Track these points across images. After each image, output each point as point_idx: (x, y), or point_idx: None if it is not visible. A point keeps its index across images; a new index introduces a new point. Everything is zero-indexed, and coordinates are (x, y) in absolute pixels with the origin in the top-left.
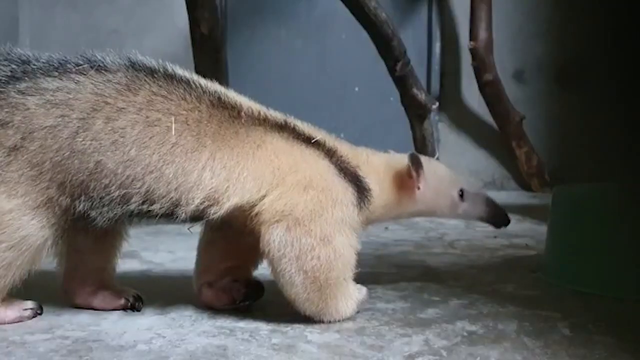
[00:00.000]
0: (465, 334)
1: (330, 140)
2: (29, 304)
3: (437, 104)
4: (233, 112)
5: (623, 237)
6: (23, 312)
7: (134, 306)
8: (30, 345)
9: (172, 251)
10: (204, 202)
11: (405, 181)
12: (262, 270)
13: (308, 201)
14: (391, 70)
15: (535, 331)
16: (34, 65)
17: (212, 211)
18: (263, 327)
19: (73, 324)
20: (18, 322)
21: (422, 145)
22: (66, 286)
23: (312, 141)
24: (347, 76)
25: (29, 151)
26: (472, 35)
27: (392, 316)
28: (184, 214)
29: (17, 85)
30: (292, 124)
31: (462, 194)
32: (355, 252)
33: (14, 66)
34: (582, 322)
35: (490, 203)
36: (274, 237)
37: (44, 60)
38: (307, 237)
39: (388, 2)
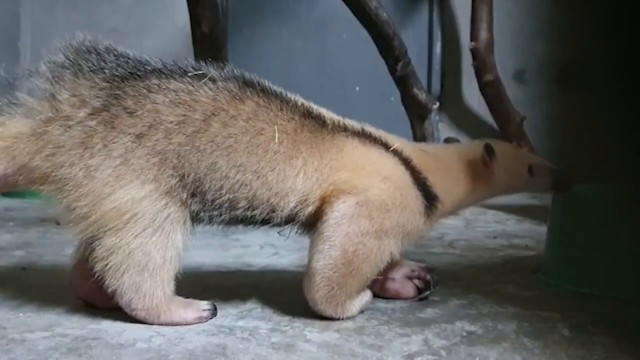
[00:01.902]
0: (464, 334)
1: (407, 149)
2: (205, 304)
3: (438, 103)
4: (319, 121)
5: (623, 237)
6: (202, 313)
7: None
8: (29, 343)
9: None
10: (297, 205)
11: (480, 170)
12: (260, 268)
13: (384, 190)
14: (392, 70)
15: (535, 331)
16: (154, 66)
17: (303, 212)
18: (262, 326)
19: (72, 322)
20: (198, 323)
21: None
22: (73, 278)
23: (391, 148)
24: (348, 76)
25: (153, 140)
26: (473, 36)
27: (392, 316)
28: (279, 218)
29: (145, 81)
30: (368, 131)
31: (531, 170)
32: (390, 260)
33: (132, 63)
34: (581, 322)
35: (554, 173)
36: (341, 206)
37: (160, 63)
38: (367, 221)
39: (389, 2)
